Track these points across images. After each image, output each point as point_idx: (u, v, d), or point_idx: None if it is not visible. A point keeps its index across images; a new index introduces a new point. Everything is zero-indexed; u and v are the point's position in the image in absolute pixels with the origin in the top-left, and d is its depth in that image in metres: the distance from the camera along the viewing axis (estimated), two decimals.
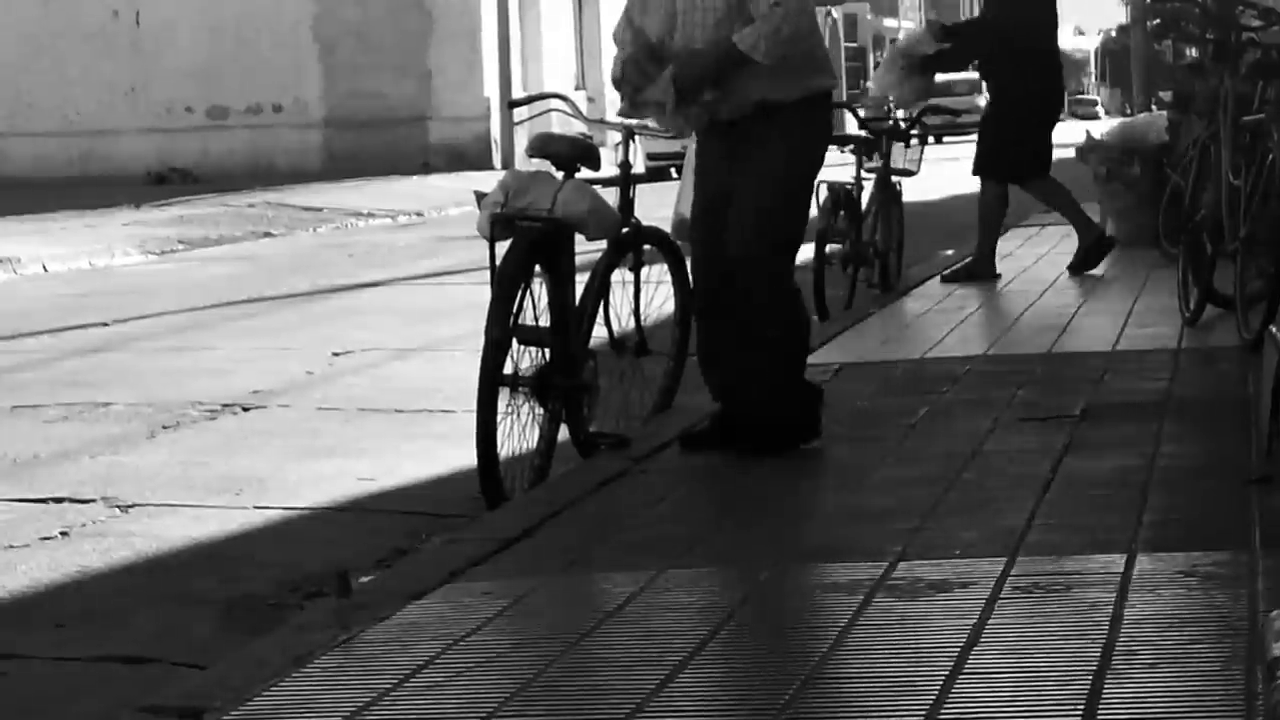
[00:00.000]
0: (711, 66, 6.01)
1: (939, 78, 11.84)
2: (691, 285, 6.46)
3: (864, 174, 11.07)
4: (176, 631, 4.91)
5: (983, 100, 13.20)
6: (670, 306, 7.06)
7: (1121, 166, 13.40)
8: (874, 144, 11.12)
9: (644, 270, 6.75)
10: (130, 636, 4.87)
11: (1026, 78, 11.01)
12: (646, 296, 6.79)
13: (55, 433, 7.89)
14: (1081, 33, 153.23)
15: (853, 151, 11.10)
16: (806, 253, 7.09)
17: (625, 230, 6.55)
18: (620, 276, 6.63)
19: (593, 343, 6.41)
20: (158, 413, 8.24)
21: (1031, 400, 6.91)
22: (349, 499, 6.49)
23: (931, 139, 14.34)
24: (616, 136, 6.69)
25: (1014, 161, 11.21)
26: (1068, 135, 18.38)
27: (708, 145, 6.25)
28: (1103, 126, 23.92)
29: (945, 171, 17.62)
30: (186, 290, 14.38)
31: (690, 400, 7.14)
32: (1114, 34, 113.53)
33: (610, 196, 6.50)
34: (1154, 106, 33.21)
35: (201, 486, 6.69)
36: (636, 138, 6.58)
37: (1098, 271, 11.56)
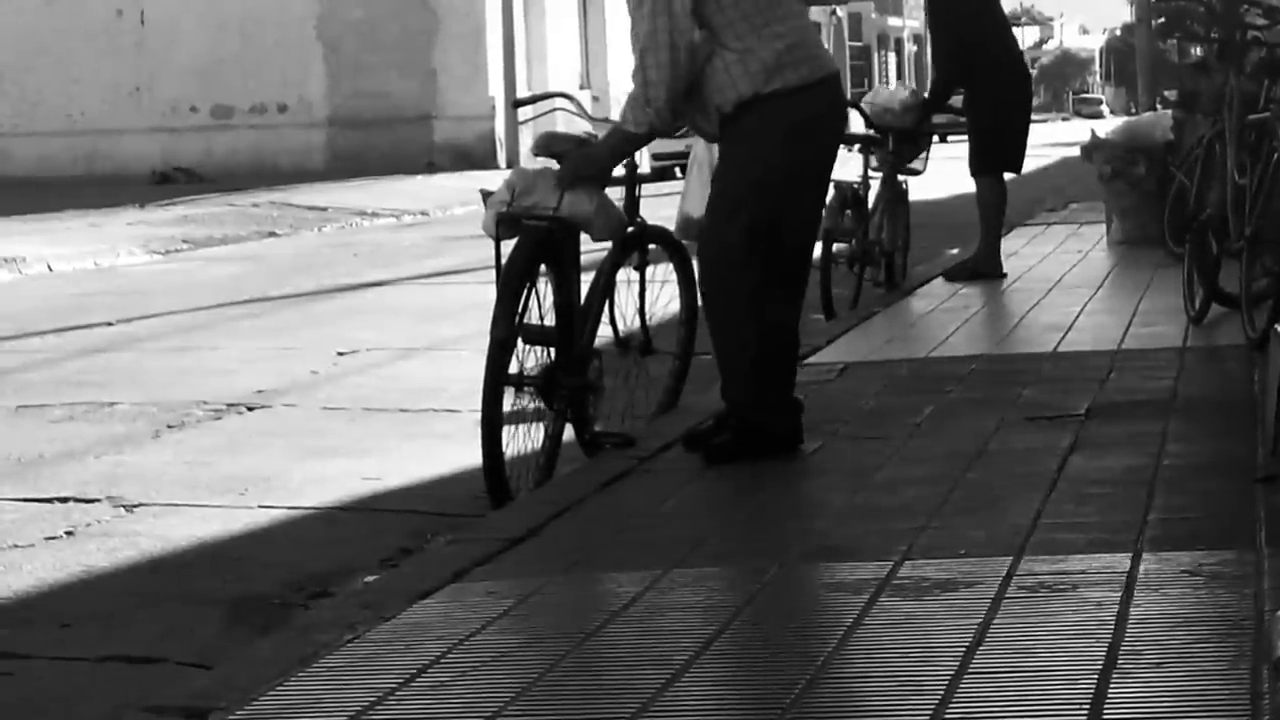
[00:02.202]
0: (605, 159, 6.18)
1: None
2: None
3: (870, 173, 11.09)
4: (181, 631, 4.91)
5: None
6: (675, 306, 7.05)
7: (1126, 165, 13.41)
8: (881, 143, 11.14)
9: (649, 269, 6.75)
10: (135, 636, 4.87)
11: (995, 85, 11.19)
12: (652, 296, 6.79)
13: (60, 432, 7.90)
14: (1086, 31, 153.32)
15: (859, 151, 11.12)
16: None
17: (631, 230, 6.55)
18: (625, 276, 6.62)
19: (598, 342, 6.41)
20: (162, 412, 8.25)
21: (1037, 399, 6.90)
22: (354, 499, 6.49)
23: (937, 138, 14.34)
24: None
25: (1006, 154, 11.34)
26: (1072, 134, 18.36)
27: None
28: (1108, 125, 23.94)
29: (951, 170, 17.60)
30: (191, 290, 14.39)
31: (695, 400, 7.15)
32: (1119, 33, 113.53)
33: (616, 196, 6.50)
34: (1159, 105, 33.15)
35: (206, 486, 6.69)
36: None
37: (1100, 270, 11.56)
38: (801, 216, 6.06)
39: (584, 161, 6.16)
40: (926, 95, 11.64)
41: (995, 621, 3.95)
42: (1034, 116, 12.05)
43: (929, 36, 12.08)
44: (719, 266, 5.97)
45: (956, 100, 11.79)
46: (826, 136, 6.11)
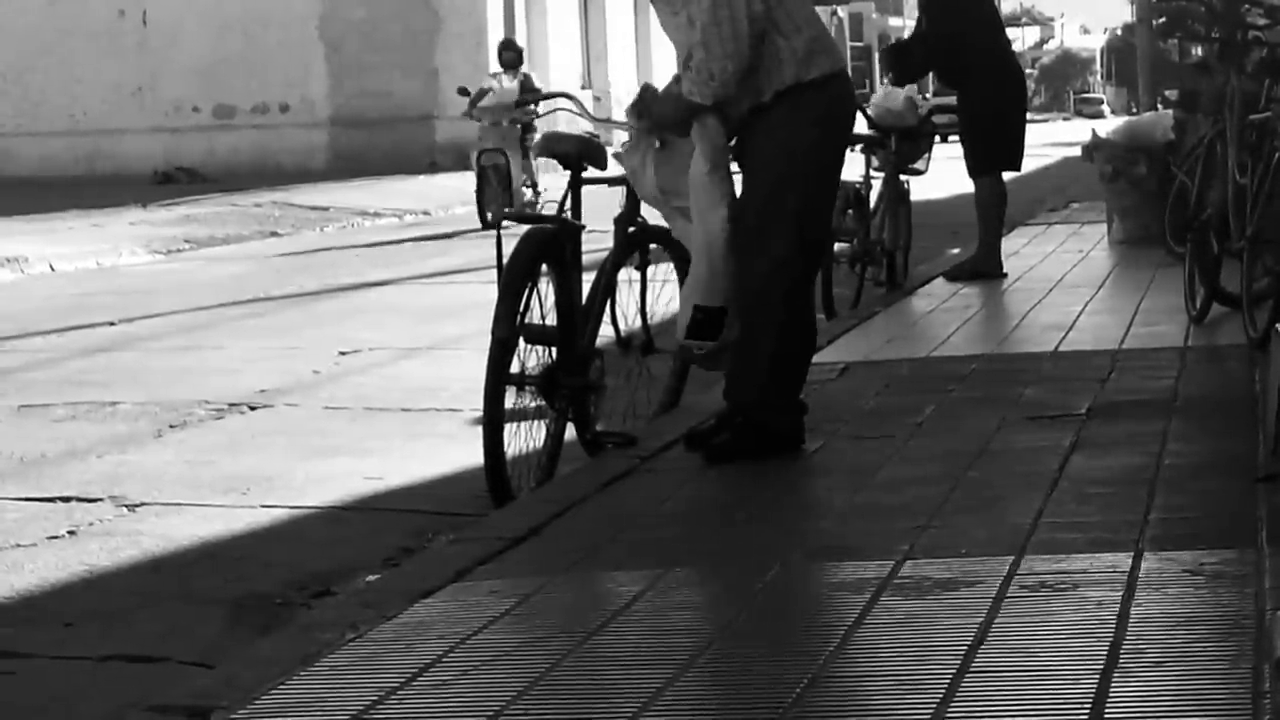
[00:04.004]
0: (673, 111, 6.11)
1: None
2: None
3: (872, 173, 11.10)
4: (184, 631, 4.92)
5: None
6: (676, 305, 7.04)
7: (1128, 165, 13.42)
8: (883, 143, 11.15)
9: (650, 269, 6.75)
10: (137, 635, 4.88)
11: (986, 84, 11.19)
12: (653, 295, 6.79)
13: (62, 432, 7.90)
14: (1087, 31, 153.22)
15: (862, 151, 11.13)
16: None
17: (632, 229, 6.55)
18: (627, 275, 6.63)
19: (599, 341, 6.41)
20: (165, 412, 8.25)
21: (1038, 398, 6.91)
22: (356, 498, 6.49)
23: (939, 138, 14.35)
24: (623, 135, 6.69)
25: (1003, 154, 11.35)
26: (1074, 134, 18.36)
27: None
28: (1109, 125, 23.94)
29: (952, 170, 17.61)
30: (193, 290, 14.40)
31: (697, 399, 7.15)
32: (1120, 32, 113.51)
33: (617, 195, 6.51)
34: (1160, 105, 33.16)
35: (208, 486, 6.70)
36: None
37: (1101, 270, 11.56)
38: (823, 209, 6.17)
39: (665, 113, 6.16)
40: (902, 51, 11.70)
41: (996, 620, 3.96)
42: (1035, 116, 12.15)
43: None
44: (763, 263, 5.97)
45: (951, 100, 11.80)
46: (847, 121, 6.22)
